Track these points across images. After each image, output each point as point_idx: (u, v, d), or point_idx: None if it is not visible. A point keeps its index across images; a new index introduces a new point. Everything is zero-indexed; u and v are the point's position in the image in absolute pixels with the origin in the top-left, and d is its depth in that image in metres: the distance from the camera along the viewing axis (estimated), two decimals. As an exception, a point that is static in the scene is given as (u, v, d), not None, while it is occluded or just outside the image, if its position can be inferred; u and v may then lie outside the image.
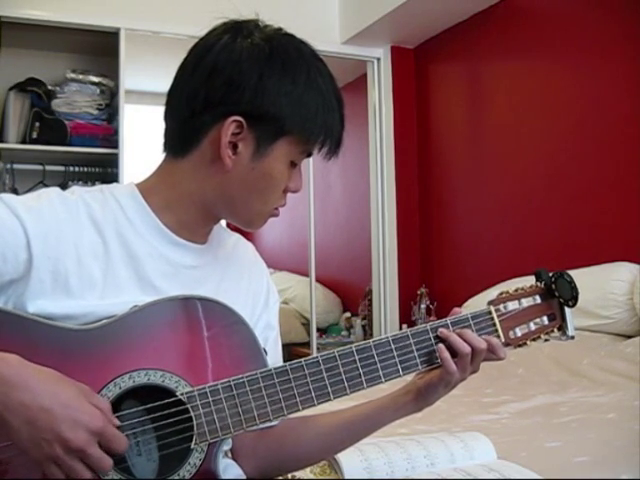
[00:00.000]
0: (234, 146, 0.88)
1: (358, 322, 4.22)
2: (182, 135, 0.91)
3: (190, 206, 0.92)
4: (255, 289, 1.04)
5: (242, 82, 0.86)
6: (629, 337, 2.26)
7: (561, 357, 2.24)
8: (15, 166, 3.32)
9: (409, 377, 0.97)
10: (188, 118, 0.90)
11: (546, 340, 0.99)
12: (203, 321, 0.88)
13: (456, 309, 0.97)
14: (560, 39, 2.91)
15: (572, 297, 0.98)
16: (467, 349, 0.91)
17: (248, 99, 0.86)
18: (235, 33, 0.90)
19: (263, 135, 0.88)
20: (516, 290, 0.99)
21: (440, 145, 3.72)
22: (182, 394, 0.83)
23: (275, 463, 1.03)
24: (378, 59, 3.88)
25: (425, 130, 3.82)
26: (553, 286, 0.98)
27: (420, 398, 0.95)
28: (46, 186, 3.25)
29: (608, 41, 2.68)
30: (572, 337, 0.99)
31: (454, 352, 0.92)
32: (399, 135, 3.84)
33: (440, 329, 0.93)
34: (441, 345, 0.92)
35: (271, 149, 0.89)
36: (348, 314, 4.43)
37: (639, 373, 1.94)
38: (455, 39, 3.56)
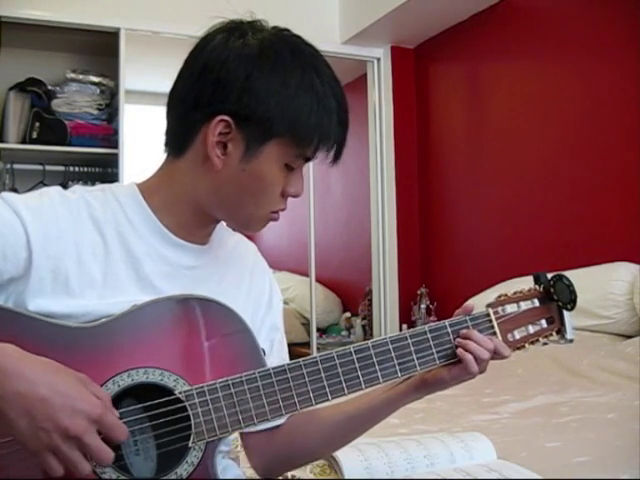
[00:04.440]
0: (224, 146, 0.88)
1: (358, 322, 4.22)
2: (178, 134, 0.92)
3: (187, 206, 0.92)
4: (257, 289, 1.04)
5: (229, 81, 0.86)
6: (629, 337, 2.26)
7: (561, 357, 2.24)
8: (15, 166, 3.32)
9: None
10: (182, 117, 0.90)
11: (545, 344, 0.98)
12: (202, 320, 0.88)
13: (469, 303, 0.97)
14: (560, 39, 2.91)
15: (571, 300, 0.97)
16: (486, 354, 0.91)
17: (235, 99, 0.85)
18: (229, 33, 0.89)
19: (252, 136, 0.87)
20: (514, 293, 0.99)
21: (440, 145, 3.72)
22: (180, 392, 0.83)
23: (286, 459, 1.05)
24: (378, 59, 3.88)
25: (425, 130, 3.82)
26: (552, 289, 0.98)
27: (424, 389, 0.96)
28: (46, 186, 3.25)
29: (608, 41, 2.68)
30: (571, 341, 0.98)
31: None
32: (399, 135, 3.84)
33: (462, 331, 0.93)
34: (461, 349, 0.92)
35: (261, 151, 0.87)
36: (348, 314, 4.43)
37: (639, 373, 1.94)
38: (455, 39, 3.56)
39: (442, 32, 3.63)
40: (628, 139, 2.58)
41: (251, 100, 0.85)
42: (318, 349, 3.77)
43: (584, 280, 2.35)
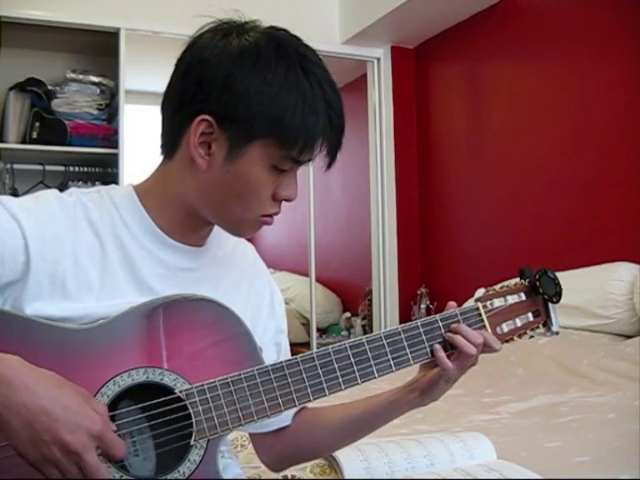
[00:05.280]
0: (208, 146, 0.87)
1: (358, 322, 4.23)
2: (168, 136, 0.91)
3: (179, 208, 0.92)
4: (256, 291, 1.04)
5: (209, 81, 0.85)
6: (629, 337, 2.26)
7: (561, 357, 2.24)
8: (15, 166, 3.32)
9: (405, 373, 0.98)
10: (170, 118, 0.90)
11: (531, 337, 1.01)
12: (200, 320, 0.88)
13: (451, 303, 0.98)
14: (560, 39, 2.91)
15: (556, 293, 1.00)
16: (473, 350, 0.92)
17: (215, 98, 0.84)
18: (215, 32, 0.88)
19: (235, 136, 0.85)
20: (502, 287, 1.01)
21: (440, 145, 3.72)
22: (181, 391, 0.83)
23: (291, 456, 1.07)
24: (378, 59, 3.88)
25: (425, 130, 3.82)
26: (537, 283, 1.00)
27: (424, 395, 0.96)
28: (46, 186, 3.26)
29: (608, 41, 2.68)
30: (557, 333, 1.00)
31: (458, 353, 0.93)
32: (399, 135, 3.84)
33: (452, 325, 0.95)
34: (437, 346, 0.93)
35: (244, 151, 0.85)
36: (348, 314, 4.43)
37: (639, 373, 1.94)
38: (455, 39, 3.56)
39: (442, 32, 3.63)
40: (628, 139, 2.58)
41: (231, 99, 0.84)
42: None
43: (584, 280, 2.36)
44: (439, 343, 0.94)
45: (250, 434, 1.09)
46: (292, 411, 1.03)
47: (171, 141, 0.91)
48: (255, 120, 0.84)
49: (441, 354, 0.92)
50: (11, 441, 0.71)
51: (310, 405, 0.97)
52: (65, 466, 0.71)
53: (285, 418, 1.03)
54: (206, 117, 0.85)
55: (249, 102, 0.84)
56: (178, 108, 0.88)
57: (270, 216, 0.92)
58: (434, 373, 0.94)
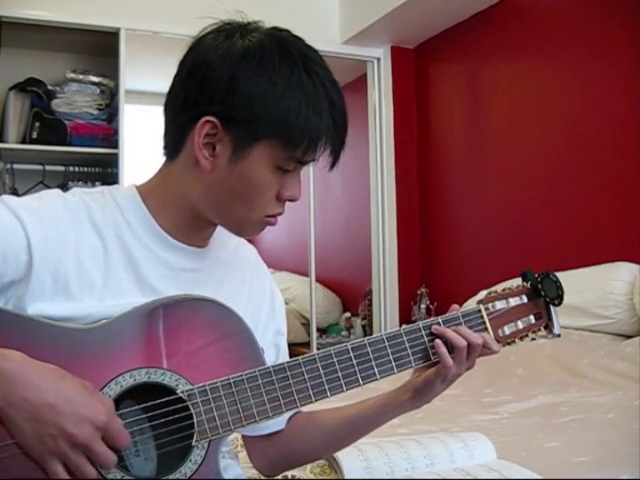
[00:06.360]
0: (213, 148, 0.87)
1: (358, 322, 4.23)
2: (171, 137, 0.92)
3: (182, 209, 0.92)
4: (257, 293, 1.04)
5: (213, 82, 0.85)
6: (629, 337, 2.27)
7: (561, 357, 2.24)
8: (15, 166, 3.32)
9: (405, 375, 0.98)
10: (173, 119, 0.90)
11: (533, 339, 1.01)
12: (202, 320, 0.88)
13: (455, 306, 0.98)
14: (560, 39, 2.91)
15: (558, 296, 1.00)
16: (463, 343, 0.92)
17: (219, 99, 0.84)
18: (217, 34, 0.89)
19: (239, 137, 0.85)
20: (504, 290, 1.01)
21: (440, 145, 3.72)
22: (182, 392, 0.83)
23: (285, 461, 1.07)
24: (378, 59, 3.89)
25: (425, 130, 3.82)
26: (539, 286, 1.00)
27: (418, 396, 0.96)
28: (46, 186, 3.26)
29: (608, 41, 2.68)
30: (558, 335, 1.00)
31: (451, 347, 0.93)
32: (399, 135, 3.84)
33: (434, 326, 0.95)
34: (438, 340, 0.93)
35: (249, 152, 0.85)
36: (348, 314, 4.43)
37: (639, 373, 1.94)
38: (455, 39, 3.57)
39: (442, 32, 3.63)
40: (628, 139, 2.58)
41: (235, 101, 0.84)
42: (318, 349, 3.75)
43: (584, 280, 2.36)
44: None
45: (244, 438, 1.08)
46: (286, 415, 1.03)
47: (174, 142, 0.91)
48: (259, 121, 0.84)
49: (443, 350, 0.92)
50: (15, 437, 0.72)
51: (304, 409, 0.97)
52: (72, 459, 0.72)
53: (279, 422, 1.03)
54: (210, 118, 0.85)
55: (253, 103, 0.84)
56: (181, 109, 0.88)
57: (274, 216, 0.92)
58: (430, 372, 0.94)
